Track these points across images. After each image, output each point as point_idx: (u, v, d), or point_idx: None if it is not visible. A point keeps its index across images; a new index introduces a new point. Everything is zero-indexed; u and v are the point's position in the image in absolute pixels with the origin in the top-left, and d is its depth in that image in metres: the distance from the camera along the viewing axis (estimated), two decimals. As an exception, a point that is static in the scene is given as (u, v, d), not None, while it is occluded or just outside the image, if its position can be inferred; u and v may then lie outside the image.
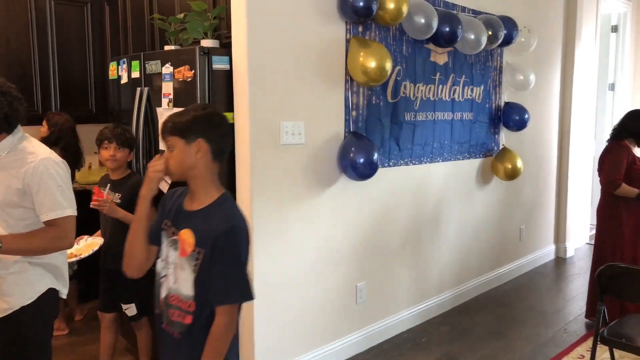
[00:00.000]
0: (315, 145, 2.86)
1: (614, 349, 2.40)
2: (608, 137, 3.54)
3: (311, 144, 2.84)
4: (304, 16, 2.73)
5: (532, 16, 4.33)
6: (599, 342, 2.32)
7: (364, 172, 2.91)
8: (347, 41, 2.92)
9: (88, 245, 2.61)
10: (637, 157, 3.38)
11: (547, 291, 4.24)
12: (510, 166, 4.05)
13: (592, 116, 5.51)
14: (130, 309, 2.70)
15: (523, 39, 4.02)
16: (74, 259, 2.49)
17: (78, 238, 2.52)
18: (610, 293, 2.32)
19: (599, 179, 3.47)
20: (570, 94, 4.92)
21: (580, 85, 5.07)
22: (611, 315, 2.60)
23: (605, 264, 2.29)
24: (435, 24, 3.15)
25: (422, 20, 3.09)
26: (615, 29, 5.81)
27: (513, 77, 4.09)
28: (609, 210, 3.41)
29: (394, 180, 3.35)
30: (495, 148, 4.16)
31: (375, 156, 2.92)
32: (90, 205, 2.50)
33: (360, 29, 3.00)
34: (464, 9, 3.68)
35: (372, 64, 2.72)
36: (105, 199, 2.52)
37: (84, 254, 2.54)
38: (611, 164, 3.33)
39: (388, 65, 2.77)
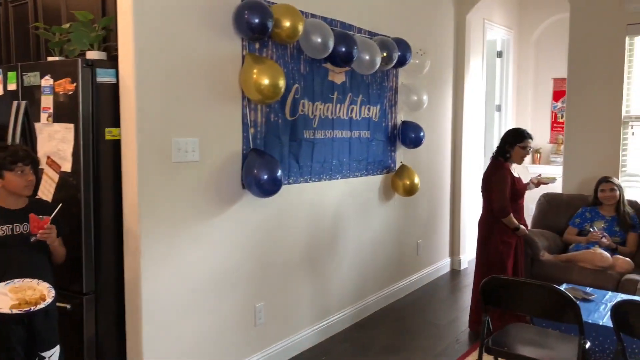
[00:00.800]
0: (211, 163, 2.77)
1: (498, 358, 2.53)
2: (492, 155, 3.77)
3: (207, 162, 2.75)
4: (198, 30, 2.65)
5: (425, 40, 4.55)
6: (484, 352, 2.43)
7: (269, 188, 2.87)
8: (244, 57, 2.88)
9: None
10: (516, 177, 3.62)
11: (442, 303, 4.41)
12: (408, 182, 4.20)
13: (481, 135, 5.89)
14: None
15: (417, 61, 4.21)
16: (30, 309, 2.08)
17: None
18: (492, 304, 2.45)
19: (482, 194, 3.68)
20: (462, 114, 5.22)
21: (471, 106, 5.41)
22: (495, 326, 2.74)
23: (489, 276, 2.41)
24: (331, 44, 3.19)
25: (319, 40, 3.13)
26: (500, 54, 6.28)
27: (408, 97, 4.26)
28: (487, 225, 3.63)
29: (294, 198, 3.33)
30: (393, 165, 4.29)
31: (279, 173, 2.90)
32: (37, 237, 2.17)
33: (257, 45, 2.97)
34: (360, 30, 3.78)
35: (265, 81, 2.69)
36: (50, 226, 2.19)
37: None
38: (499, 189, 3.47)
39: (281, 83, 2.75)
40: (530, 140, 3.58)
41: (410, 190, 4.22)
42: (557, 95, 6.42)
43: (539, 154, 6.54)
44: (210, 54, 2.71)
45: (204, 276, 2.76)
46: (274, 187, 2.90)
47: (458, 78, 5.20)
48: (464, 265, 5.39)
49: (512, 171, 3.61)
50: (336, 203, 3.72)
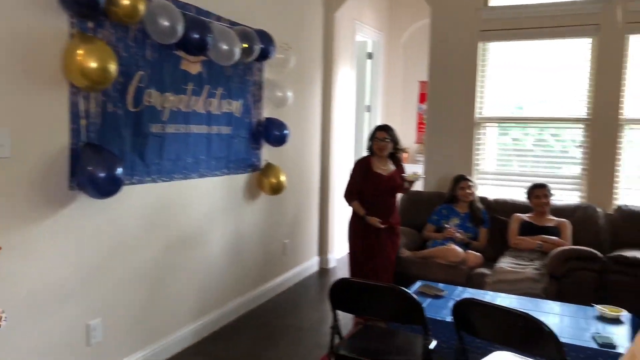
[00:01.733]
0: (29, 159, 2.36)
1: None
2: None
3: (23, 158, 2.33)
4: (10, 1, 2.23)
5: (292, 35, 4.42)
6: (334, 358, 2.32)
7: (106, 188, 2.54)
8: (72, 37, 2.50)
9: None
10: (379, 172, 3.64)
11: (308, 305, 4.31)
12: (274, 181, 4.04)
13: (352, 135, 5.92)
14: None
15: (282, 56, 4.06)
16: None
17: None
18: (341, 308, 2.35)
19: None
20: (330, 113, 5.18)
21: (340, 106, 5.40)
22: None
23: (337, 279, 2.30)
24: (181, 29, 2.91)
25: (166, 23, 2.83)
26: (370, 55, 6.39)
27: (273, 92, 4.09)
28: (351, 221, 3.74)
29: (140, 199, 3.00)
30: (257, 163, 4.10)
31: (119, 170, 2.56)
32: None
33: (90, 24, 2.60)
34: (219, 18, 3.54)
35: (92, 64, 2.35)
36: None
37: None
38: (350, 178, 3.77)
39: (112, 67, 2.43)
40: (380, 132, 3.73)
41: (277, 189, 4.07)
42: (423, 97, 6.67)
43: (406, 154, 6.76)
44: (28, 31, 2.31)
45: (20, 293, 2.34)
46: (113, 187, 2.57)
47: (327, 77, 5.15)
48: (332, 263, 5.37)
49: (379, 166, 3.71)
50: (192, 204, 3.44)
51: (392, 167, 3.76)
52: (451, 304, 2.84)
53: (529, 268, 3.55)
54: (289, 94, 4.16)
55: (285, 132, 4.14)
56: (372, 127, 6.27)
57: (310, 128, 4.96)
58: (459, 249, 3.87)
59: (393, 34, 6.65)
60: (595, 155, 4.20)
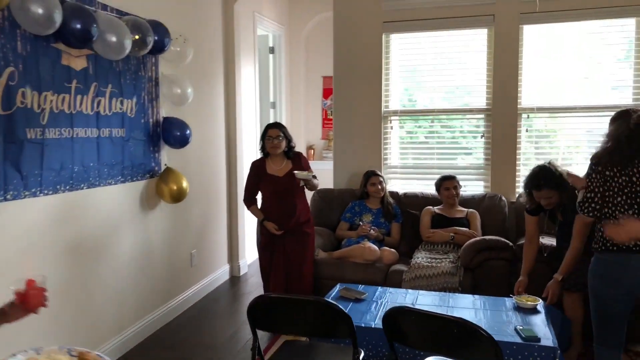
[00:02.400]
0: None
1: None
2: None
3: None
4: None
5: (189, 27, 4.09)
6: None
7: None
8: None
9: None
10: (271, 173, 3.61)
11: (221, 318, 4.02)
12: (175, 187, 3.69)
13: (257, 133, 5.68)
14: None
15: (178, 49, 3.72)
16: None
17: None
18: (262, 327, 2.13)
19: None
20: (235, 110, 4.90)
21: (245, 103, 5.13)
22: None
23: (256, 297, 2.08)
24: (59, 17, 2.52)
25: (40, 11, 2.43)
26: (272, 50, 6.17)
27: (170, 89, 3.75)
28: (257, 230, 3.72)
29: (17, 218, 2.56)
30: (157, 168, 3.74)
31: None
32: None
33: (-62, 10, 2.14)
34: (105, 7, 3.14)
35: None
36: None
37: None
38: (245, 183, 3.75)
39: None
40: (272, 129, 3.61)
41: (178, 196, 3.73)
42: (327, 92, 6.59)
43: (312, 150, 6.65)
44: None
45: None
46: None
47: (229, 72, 4.86)
48: (244, 270, 5.11)
49: (273, 167, 3.62)
50: (82, 220, 3.02)
51: (289, 166, 3.60)
52: (373, 307, 2.75)
53: (445, 262, 3.56)
54: (189, 90, 3.83)
55: (187, 132, 3.81)
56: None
57: (214, 127, 4.65)
58: (374, 247, 3.80)
59: (294, 28, 6.48)
60: (496, 145, 4.33)
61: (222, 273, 4.82)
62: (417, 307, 2.68)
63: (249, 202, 3.71)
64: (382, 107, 4.60)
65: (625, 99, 4.12)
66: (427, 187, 4.42)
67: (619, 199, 2.24)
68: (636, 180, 2.21)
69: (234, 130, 4.91)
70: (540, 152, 4.36)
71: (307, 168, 3.64)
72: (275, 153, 3.59)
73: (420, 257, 3.66)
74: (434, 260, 3.60)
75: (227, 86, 4.85)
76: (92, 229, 3.11)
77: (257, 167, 3.66)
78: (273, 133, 3.59)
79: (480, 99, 4.44)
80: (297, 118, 6.58)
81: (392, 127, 4.67)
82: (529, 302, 2.69)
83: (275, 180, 3.57)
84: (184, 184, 3.76)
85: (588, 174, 2.36)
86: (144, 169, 3.60)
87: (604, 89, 4.26)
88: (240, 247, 5.04)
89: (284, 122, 6.21)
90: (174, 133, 3.75)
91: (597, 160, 2.31)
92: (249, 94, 5.32)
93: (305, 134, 6.68)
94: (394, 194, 4.31)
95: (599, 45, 4.27)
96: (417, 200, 4.26)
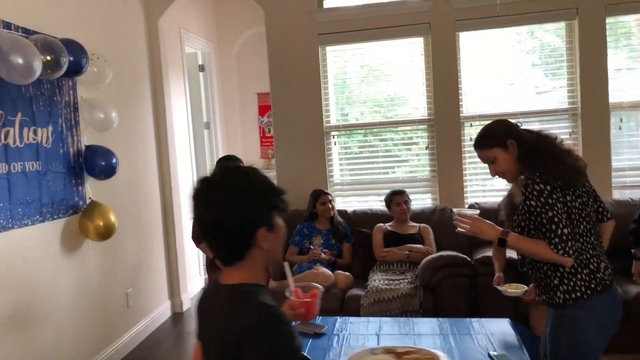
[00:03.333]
0: None
1: None
2: None
3: None
4: None
5: (108, 44, 3.73)
6: None
7: None
8: None
9: None
10: None
11: (164, 361, 3.65)
12: (102, 223, 3.31)
13: (191, 156, 5.33)
14: None
15: (96, 69, 3.35)
16: None
17: None
18: None
19: None
20: (166, 133, 4.55)
21: (177, 125, 4.79)
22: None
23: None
24: (-53, 38, 2.13)
25: None
26: (202, 68, 5.85)
27: (92, 114, 3.37)
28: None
29: None
30: (81, 203, 3.34)
31: None
32: None
33: None
34: (8, 24, 2.76)
35: None
36: None
37: None
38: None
39: None
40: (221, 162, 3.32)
41: (106, 233, 3.34)
42: (263, 109, 6.34)
43: (252, 171, 6.36)
44: None
45: None
46: None
47: (157, 92, 4.51)
48: (186, 305, 4.72)
49: None
50: (-9, 268, 2.60)
51: None
52: (335, 342, 2.51)
53: (403, 282, 3.39)
54: (113, 114, 3.47)
55: (113, 161, 3.44)
56: (215, 146, 5.79)
57: (144, 153, 4.27)
58: (327, 271, 3.57)
59: (224, 44, 6.20)
60: (442, 155, 4.25)
61: (163, 311, 4.41)
62: (381, 336, 2.47)
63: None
64: (324, 122, 4.42)
65: (552, 104, 4.18)
66: (376, 203, 4.27)
67: (582, 226, 1.95)
68: (586, 199, 2.00)
69: (166, 155, 4.55)
70: (484, 160, 4.32)
71: None
72: None
73: (377, 280, 3.47)
74: (391, 282, 3.42)
75: (156, 107, 4.50)
76: (5, 281, 2.68)
77: None
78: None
79: (421, 110, 4.36)
80: (233, 138, 6.28)
81: (335, 143, 4.50)
82: (515, 290, 2.54)
83: None
84: (112, 218, 3.38)
85: (551, 205, 1.87)
86: (66, 204, 3.20)
87: (530, 95, 4.28)
88: (181, 280, 4.66)
89: (219, 143, 5.91)
90: (98, 163, 3.37)
91: (553, 185, 1.89)
92: (180, 115, 4.98)
93: (243, 153, 6.39)
94: (342, 213, 4.12)
95: (520, 52, 4.31)
96: (367, 218, 4.09)
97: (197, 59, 5.77)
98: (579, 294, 1.95)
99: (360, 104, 4.60)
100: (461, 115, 4.22)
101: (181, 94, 5.06)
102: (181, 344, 3.95)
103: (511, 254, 3.33)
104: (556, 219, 1.86)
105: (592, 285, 1.94)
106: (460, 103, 4.20)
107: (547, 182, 1.90)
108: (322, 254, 3.72)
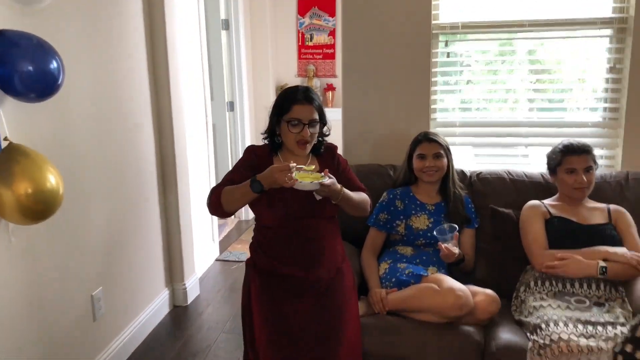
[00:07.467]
0: None
1: None
2: None
3: None
4: None
5: None
6: None
7: None
8: None
9: None
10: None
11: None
12: (31, 190, 1.65)
13: (204, 68, 3.57)
14: None
15: None
16: None
17: None
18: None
19: None
20: (164, 32, 2.78)
21: (181, 21, 3.03)
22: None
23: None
24: None
25: None
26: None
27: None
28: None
29: None
30: (-11, 147, 1.67)
31: None
32: None
33: None
34: None
35: None
36: None
37: None
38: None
39: None
40: (301, 105, 1.85)
41: (43, 208, 1.70)
42: (304, 6, 4.53)
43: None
44: None
45: None
46: None
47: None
48: (193, 294, 3.15)
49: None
50: None
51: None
52: None
53: (607, 328, 1.74)
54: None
55: (54, 65, 1.72)
56: (234, 53, 4.05)
57: (126, 57, 2.52)
58: (461, 288, 1.94)
59: None
60: (636, 83, 2.50)
61: (157, 307, 2.84)
62: None
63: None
64: (431, 19, 2.61)
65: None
66: (516, 160, 2.59)
67: None
68: None
69: (165, 66, 2.80)
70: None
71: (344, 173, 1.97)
72: (301, 153, 1.90)
73: (558, 318, 1.81)
74: (588, 325, 1.77)
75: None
76: None
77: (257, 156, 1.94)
78: (302, 113, 1.84)
79: (602, 4, 2.53)
80: (260, 46, 4.51)
81: (448, 55, 2.70)
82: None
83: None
84: (53, 179, 1.72)
85: None
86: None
87: None
88: (185, 260, 3.05)
89: (242, 49, 4.19)
90: (21, 66, 1.64)
91: None
92: (188, 7, 3.22)
93: (273, 69, 4.64)
94: (459, 174, 2.44)
95: None
96: (503, 187, 2.40)
97: None
98: None
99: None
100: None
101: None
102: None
103: None
104: None
105: None
106: None
107: None
108: (454, 248, 2.06)
